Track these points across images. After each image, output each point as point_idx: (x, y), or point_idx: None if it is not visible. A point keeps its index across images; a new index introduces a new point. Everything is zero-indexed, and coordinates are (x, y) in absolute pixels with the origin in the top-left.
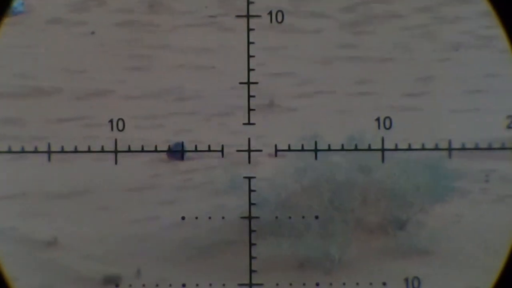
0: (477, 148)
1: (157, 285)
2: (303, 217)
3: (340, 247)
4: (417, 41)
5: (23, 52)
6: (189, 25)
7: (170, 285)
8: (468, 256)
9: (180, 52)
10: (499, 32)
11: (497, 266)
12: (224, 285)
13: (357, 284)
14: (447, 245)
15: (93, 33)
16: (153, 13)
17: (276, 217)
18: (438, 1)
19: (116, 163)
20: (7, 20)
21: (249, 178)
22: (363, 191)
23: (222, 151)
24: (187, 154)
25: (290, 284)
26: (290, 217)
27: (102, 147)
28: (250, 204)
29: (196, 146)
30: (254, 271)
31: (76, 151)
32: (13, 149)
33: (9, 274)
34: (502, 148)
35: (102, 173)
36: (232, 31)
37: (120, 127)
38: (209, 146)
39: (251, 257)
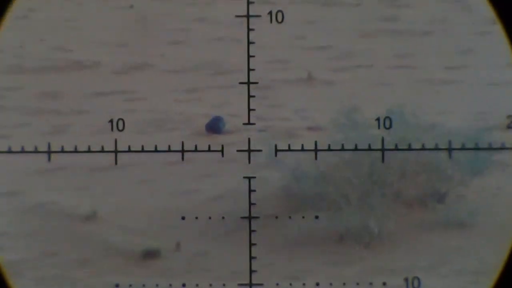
0: (477, 148)
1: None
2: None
3: (379, 221)
4: (455, 14)
5: (62, 25)
6: None
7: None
8: (507, 229)
9: (219, 25)
10: None
11: None
12: (224, 285)
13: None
14: (487, 218)
15: (131, 6)
16: None
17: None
18: None
19: (116, 163)
20: None
21: (249, 178)
22: (402, 165)
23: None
24: (226, 128)
25: (290, 284)
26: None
27: (102, 147)
28: (250, 204)
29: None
30: (254, 271)
31: (76, 151)
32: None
33: (49, 248)
34: (502, 148)
35: (141, 147)
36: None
37: (120, 127)
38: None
39: (251, 257)
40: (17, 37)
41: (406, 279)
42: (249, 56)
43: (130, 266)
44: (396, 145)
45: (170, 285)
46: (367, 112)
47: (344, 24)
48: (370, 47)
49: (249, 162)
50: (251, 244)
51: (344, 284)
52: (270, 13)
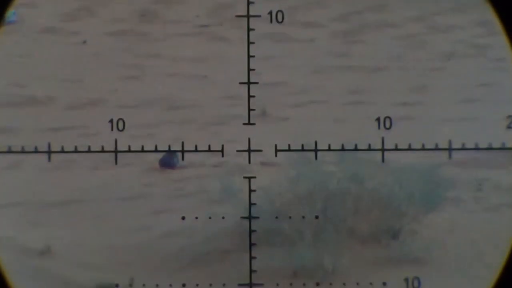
0: (477, 148)
1: None
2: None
3: (333, 257)
4: (410, 51)
5: (16, 61)
6: (181, 34)
7: None
8: (461, 265)
9: (172, 61)
10: (492, 40)
11: (491, 274)
12: (224, 285)
13: None
14: (441, 254)
15: (84, 42)
16: (145, 22)
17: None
18: (431, 11)
19: (116, 163)
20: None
21: (249, 178)
22: (356, 201)
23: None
24: (179, 163)
25: (290, 284)
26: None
27: (102, 147)
28: (250, 204)
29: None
30: (254, 271)
31: (76, 151)
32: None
33: (3, 283)
34: (502, 148)
35: (96, 182)
36: (223, 40)
37: (121, 127)
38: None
39: (251, 257)
40: None
41: (406, 279)
42: (249, 56)
43: None
44: (396, 145)
45: None
46: (321, 148)
47: (298, 60)
48: (324, 83)
49: (249, 162)
50: (251, 244)
51: None
52: (270, 13)
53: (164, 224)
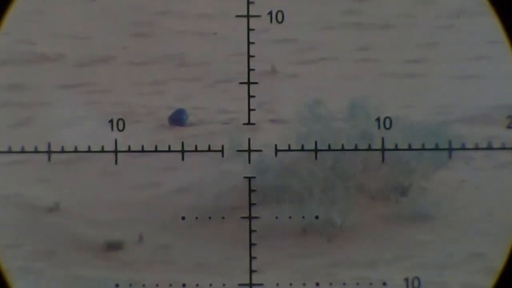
0: (477, 148)
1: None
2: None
3: (342, 214)
4: (419, 8)
5: (27, 18)
6: None
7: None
8: (470, 222)
9: (183, 18)
10: None
11: (499, 231)
12: (224, 285)
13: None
14: (450, 211)
15: None
16: None
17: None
18: None
19: (116, 163)
20: None
21: (249, 178)
22: (365, 157)
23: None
24: (189, 120)
25: (290, 284)
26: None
27: (102, 147)
28: (250, 204)
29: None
30: (254, 271)
31: (76, 151)
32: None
33: (13, 240)
34: (503, 148)
35: (105, 138)
36: None
37: (121, 127)
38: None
39: (251, 257)
40: None
41: (406, 279)
42: (249, 56)
43: (93, 258)
44: (396, 145)
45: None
46: (331, 105)
47: (308, 17)
48: (334, 40)
49: (249, 162)
50: (251, 244)
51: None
52: (270, 13)
53: (173, 181)
